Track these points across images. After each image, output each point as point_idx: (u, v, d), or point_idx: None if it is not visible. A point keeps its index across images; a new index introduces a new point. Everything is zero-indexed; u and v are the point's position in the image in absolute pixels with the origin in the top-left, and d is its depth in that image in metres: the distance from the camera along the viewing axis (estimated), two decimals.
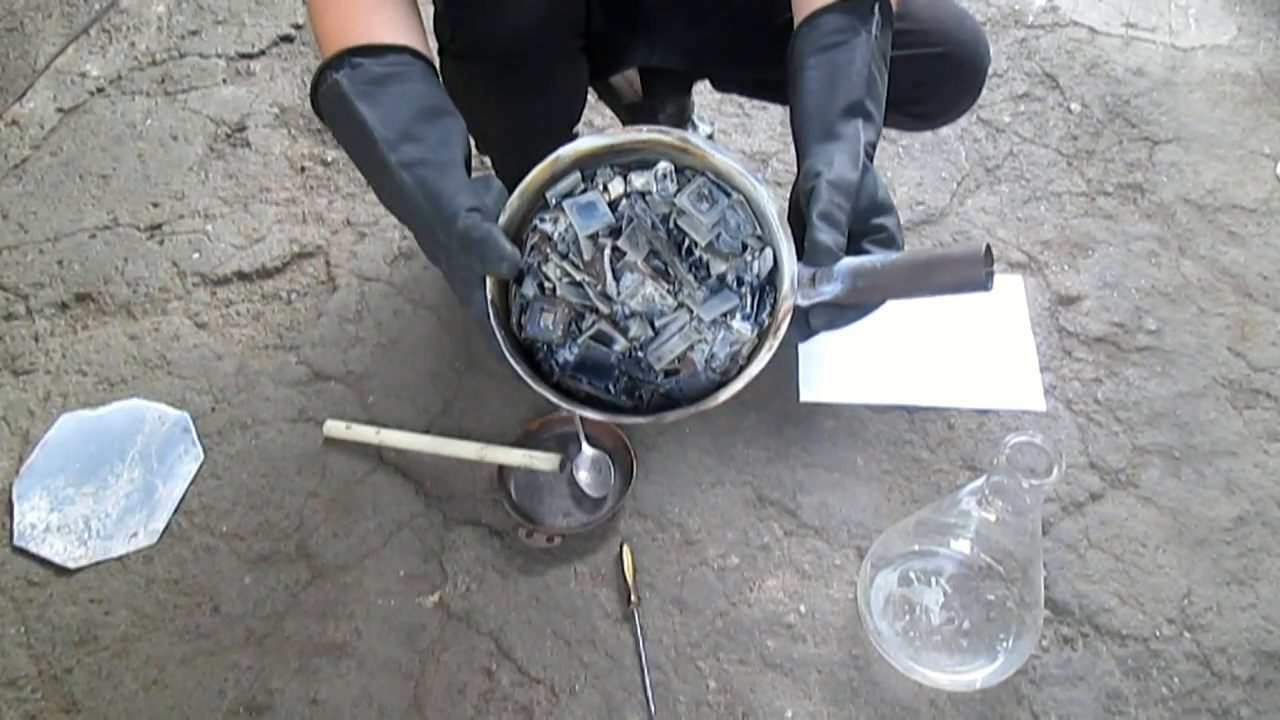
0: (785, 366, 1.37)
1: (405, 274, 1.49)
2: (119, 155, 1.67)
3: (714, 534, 1.23)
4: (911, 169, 1.59)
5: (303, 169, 1.63)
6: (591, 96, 1.64)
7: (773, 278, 0.74)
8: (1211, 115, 1.66)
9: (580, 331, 0.74)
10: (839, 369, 1.36)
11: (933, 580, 1.12)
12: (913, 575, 1.13)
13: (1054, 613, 1.16)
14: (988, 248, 0.65)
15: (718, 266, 0.74)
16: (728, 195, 0.75)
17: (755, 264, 0.74)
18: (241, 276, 1.50)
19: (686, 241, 0.75)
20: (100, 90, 1.76)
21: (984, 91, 1.72)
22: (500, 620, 1.17)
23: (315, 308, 1.47)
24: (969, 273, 0.66)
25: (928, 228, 1.52)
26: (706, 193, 0.75)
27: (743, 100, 1.69)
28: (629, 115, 1.60)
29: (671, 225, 0.75)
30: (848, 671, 1.13)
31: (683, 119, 1.56)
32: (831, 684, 1.12)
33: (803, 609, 1.17)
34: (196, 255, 1.53)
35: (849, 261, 0.71)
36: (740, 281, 0.74)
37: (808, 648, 1.14)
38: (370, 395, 1.37)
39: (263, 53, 1.81)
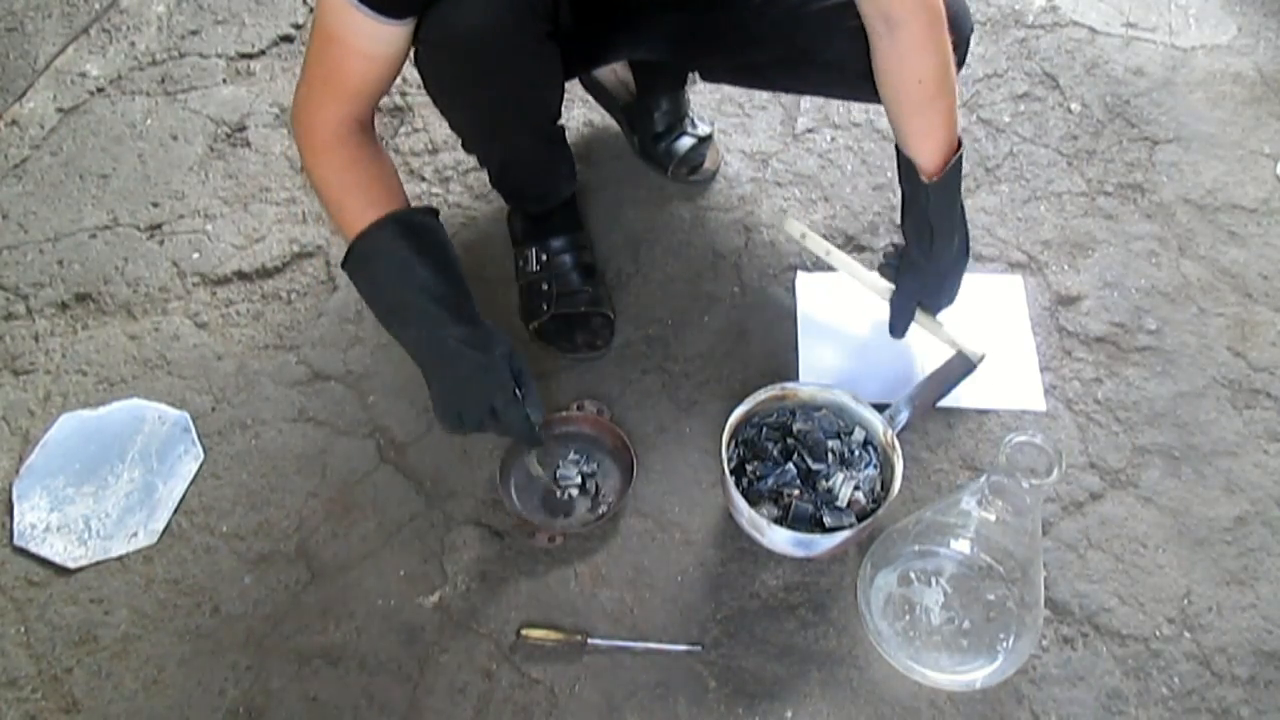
0: (785, 367, 1.37)
1: None
2: (119, 155, 1.67)
3: (714, 534, 1.23)
4: None
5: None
6: (589, 98, 1.64)
7: (867, 439, 1.20)
8: (1211, 115, 1.66)
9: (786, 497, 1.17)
10: (838, 369, 1.36)
11: (933, 580, 1.12)
12: (913, 575, 1.13)
13: (1054, 613, 1.16)
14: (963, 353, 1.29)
15: (834, 447, 1.21)
16: (819, 410, 1.22)
17: (854, 437, 1.21)
18: (241, 276, 1.50)
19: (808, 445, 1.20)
20: (100, 90, 1.76)
21: (984, 91, 1.72)
22: (500, 620, 1.17)
23: (315, 308, 1.47)
24: (965, 364, 1.27)
25: None
26: (811, 416, 1.23)
27: (742, 100, 1.69)
28: (624, 117, 1.59)
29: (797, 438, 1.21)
30: (848, 671, 1.13)
31: (678, 116, 1.55)
32: (831, 684, 1.12)
33: (803, 609, 1.17)
34: (196, 255, 1.53)
35: (901, 397, 1.24)
36: (853, 450, 1.19)
37: (808, 647, 1.14)
38: (370, 395, 1.37)
39: (263, 53, 1.81)
